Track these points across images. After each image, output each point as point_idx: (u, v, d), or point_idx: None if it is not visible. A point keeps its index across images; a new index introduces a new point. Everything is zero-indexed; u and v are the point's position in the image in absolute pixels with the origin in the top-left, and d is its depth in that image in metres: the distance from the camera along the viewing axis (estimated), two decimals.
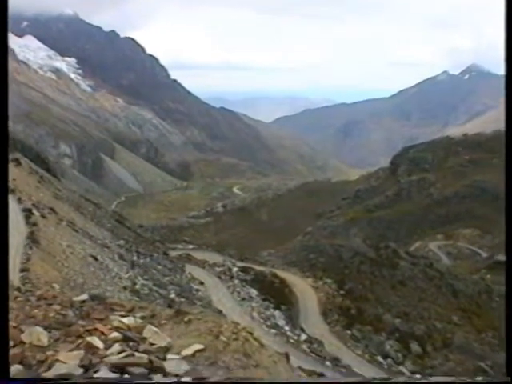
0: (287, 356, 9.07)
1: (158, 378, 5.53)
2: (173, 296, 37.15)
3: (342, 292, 52.48)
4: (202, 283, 48.16)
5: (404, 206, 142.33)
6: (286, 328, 43.59)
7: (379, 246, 65.58)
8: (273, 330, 42.19)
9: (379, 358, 42.54)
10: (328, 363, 38.69)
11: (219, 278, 51.37)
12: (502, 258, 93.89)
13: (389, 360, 42.48)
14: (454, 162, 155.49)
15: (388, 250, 63.71)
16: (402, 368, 41.85)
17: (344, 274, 56.14)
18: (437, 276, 59.97)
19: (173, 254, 57.21)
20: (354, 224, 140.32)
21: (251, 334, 7.90)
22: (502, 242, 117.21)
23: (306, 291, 52.03)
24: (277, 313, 46.20)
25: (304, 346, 40.71)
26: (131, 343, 6.63)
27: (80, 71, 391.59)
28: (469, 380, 2.72)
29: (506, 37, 4.53)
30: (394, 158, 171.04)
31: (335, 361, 39.36)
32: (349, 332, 45.69)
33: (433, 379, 2.74)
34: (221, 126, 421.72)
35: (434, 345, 45.63)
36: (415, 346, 44.62)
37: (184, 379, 3.76)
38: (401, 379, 2.69)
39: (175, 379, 4.04)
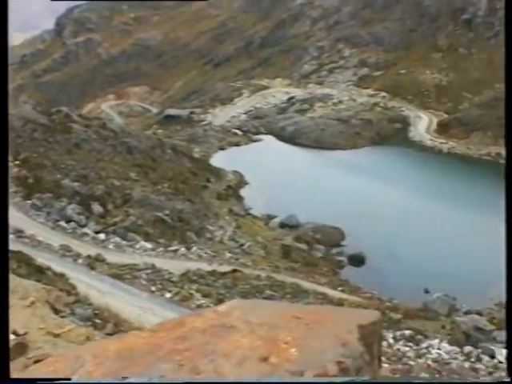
0: None
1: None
2: None
3: (17, 162, 50.73)
4: None
5: (73, 68, 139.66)
6: None
7: (51, 111, 63.86)
8: None
9: (62, 223, 42.54)
10: (12, 236, 37.83)
11: None
12: (171, 112, 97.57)
13: (72, 224, 42.67)
14: (119, 21, 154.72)
15: (60, 114, 62.37)
16: (86, 230, 42.40)
17: (17, 143, 54.07)
18: (111, 136, 60.49)
19: None
20: (22, 91, 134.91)
21: None
22: (169, 97, 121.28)
23: None
24: None
25: None
26: None
27: None
28: (469, 380, 2.82)
29: (506, 36, 4.44)
30: (58, 20, 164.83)
31: (19, 232, 38.59)
32: (29, 202, 44.76)
33: (431, 379, 2.79)
34: None
35: (114, 203, 46.66)
36: (96, 207, 45.21)
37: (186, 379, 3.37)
38: (401, 380, 2.71)
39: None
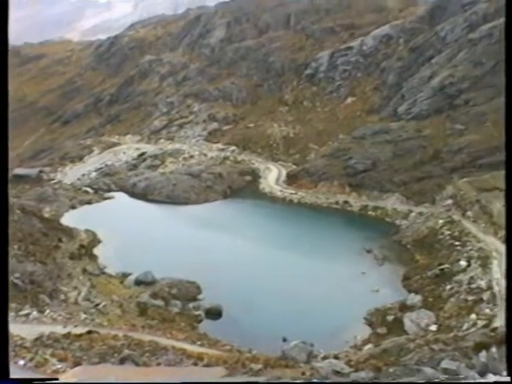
0: None
1: None
2: None
3: None
4: None
5: None
6: None
7: None
8: None
9: None
10: None
11: None
12: (19, 171, 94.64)
13: None
14: None
15: None
16: None
17: None
18: None
19: None
20: None
21: None
22: (17, 155, 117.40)
23: None
24: None
25: None
26: None
27: None
28: (469, 380, 2.83)
29: (506, 36, 4.65)
30: None
31: None
32: None
33: (432, 379, 2.77)
34: None
35: None
36: None
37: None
38: (402, 380, 2.71)
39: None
